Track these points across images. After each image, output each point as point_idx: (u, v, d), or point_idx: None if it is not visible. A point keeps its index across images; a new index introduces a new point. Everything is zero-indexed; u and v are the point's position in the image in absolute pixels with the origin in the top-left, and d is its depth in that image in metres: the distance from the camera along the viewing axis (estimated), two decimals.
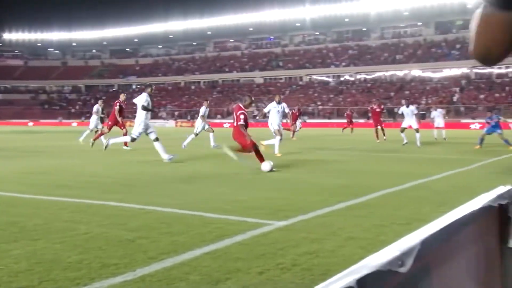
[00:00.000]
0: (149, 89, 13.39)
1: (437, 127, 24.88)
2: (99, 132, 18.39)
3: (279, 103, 15.73)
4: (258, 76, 74.57)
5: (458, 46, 60.90)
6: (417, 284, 0.82)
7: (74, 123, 66.56)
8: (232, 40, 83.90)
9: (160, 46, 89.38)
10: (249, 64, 77.53)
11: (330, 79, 70.25)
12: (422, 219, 5.52)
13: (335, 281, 0.58)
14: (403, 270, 0.71)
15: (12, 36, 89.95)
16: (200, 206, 6.42)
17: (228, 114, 64.04)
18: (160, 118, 64.38)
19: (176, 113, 67.07)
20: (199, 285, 3.45)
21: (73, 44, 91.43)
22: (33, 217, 5.82)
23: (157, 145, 12.70)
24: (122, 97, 18.49)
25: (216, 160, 13.49)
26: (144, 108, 12.84)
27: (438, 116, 25.08)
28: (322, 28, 75.27)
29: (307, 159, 13.71)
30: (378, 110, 23.10)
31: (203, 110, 18.25)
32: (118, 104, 17.87)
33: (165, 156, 12.41)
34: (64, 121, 69.68)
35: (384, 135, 22.40)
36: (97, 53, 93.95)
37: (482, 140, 18.64)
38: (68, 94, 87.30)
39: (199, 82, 78.88)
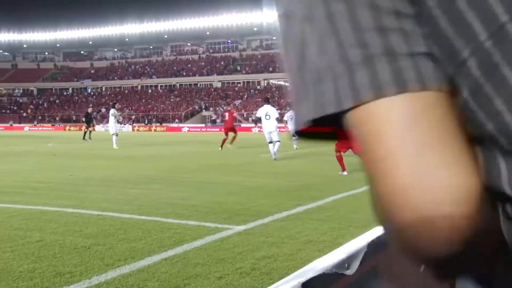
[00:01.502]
0: (268, 100, 15.89)
1: None
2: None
3: None
4: (216, 80, 74.42)
5: None
6: (365, 286, 0.84)
7: (26, 127, 64.78)
8: (189, 44, 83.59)
9: (116, 49, 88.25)
10: (207, 68, 77.39)
11: (288, 84, 70.77)
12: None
13: (281, 284, 0.60)
14: (349, 272, 0.73)
15: None
16: (157, 211, 6.39)
17: (186, 118, 63.76)
18: (117, 122, 63.32)
19: (133, 117, 66.12)
20: None
21: (24, 45, 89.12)
22: None
23: (277, 145, 14.84)
24: (233, 106, 21.72)
25: (164, 163, 13.42)
26: (277, 119, 15.01)
27: None
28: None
29: (256, 162, 13.77)
30: None
31: (288, 114, 18.83)
32: (234, 112, 20.35)
33: (275, 155, 14.63)
34: (15, 125, 67.67)
35: None
36: (50, 56, 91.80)
37: None
38: (19, 97, 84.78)
39: (156, 86, 78.06)
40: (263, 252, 4.42)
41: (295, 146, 18.86)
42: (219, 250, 4.49)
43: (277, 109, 16.29)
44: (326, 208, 6.80)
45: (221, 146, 19.46)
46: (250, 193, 8.06)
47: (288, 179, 9.99)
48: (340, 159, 11.00)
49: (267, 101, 15.77)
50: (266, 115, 14.89)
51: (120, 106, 24.31)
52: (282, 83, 71.17)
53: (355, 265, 0.75)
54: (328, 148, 14.23)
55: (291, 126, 17.44)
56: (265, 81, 71.70)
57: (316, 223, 5.68)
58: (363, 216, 6.08)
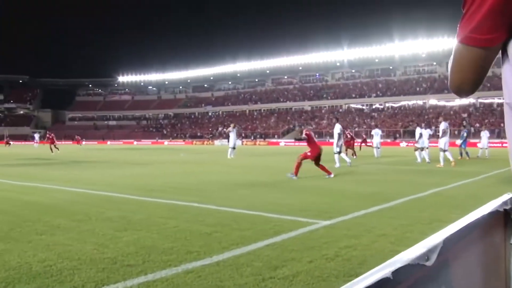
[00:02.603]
0: (338, 120, 16.03)
1: (481, 148, 21.66)
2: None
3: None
4: (306, 105, 74.18)
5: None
6: (439, 274, 0.81)
7: (166, 142, 68.70)
8: (286, 77, 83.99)
9: (230, 82, 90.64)
10: (299, 95, 77.36)
11: (364, 107, 68.92)
12: (440, 219, 5.35)
13: (375, 272, 0.59)
14: (428, 263, 0.71)
15: (124, 78, 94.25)
16: (261, 208, 6.44)
17: (283, 134, 64.08)
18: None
19: (242, 134, 67.63)
20: (261, 270, 3.45)
21: (166, 82, 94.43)
22: (137, 213, 6.04)
23: (343, 155, 15.04)
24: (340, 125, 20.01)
25: (264, 170, 13.53)
26: (339, 134, 14.91)
27: (484, 137, 21.54)
28: (357, 66, 74.25)
29: (338, 171, 13.46)
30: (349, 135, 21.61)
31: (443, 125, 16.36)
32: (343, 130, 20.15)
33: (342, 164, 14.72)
34: (159, 140, 71.98)
35: (354, 154, 20.94)
36: (183, 89, 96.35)
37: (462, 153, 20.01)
38: (161, 120, 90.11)
39: (260, 110, 79.32)
40: (344, 242, 4.30)
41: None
42: (309, 240, 4.43)
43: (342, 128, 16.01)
44: (396, 208, 6.49)
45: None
46: (334, 196, 7.90)
47: (365, 185, 9.68)
48: (298, 167, 11.08)
49: (337, 120, 16.02)
50: (341, 131, 15.05)
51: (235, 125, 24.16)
52: (360, 106, 69.45)
53: (433, 257, 0.72)
54: (400, 159, 13.56)
55: (375, 140, 17.25)
56: (346, 105, 70.25)
57: (388, 220, 5.44)
58: (428, 215, 5.75)
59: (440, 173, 12.48)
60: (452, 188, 9.00)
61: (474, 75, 0.88)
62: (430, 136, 17.93)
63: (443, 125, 15.19)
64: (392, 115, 62.57)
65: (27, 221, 5.48)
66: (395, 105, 65.58)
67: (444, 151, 15.09)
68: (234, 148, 21.92)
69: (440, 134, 15.16)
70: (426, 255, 0.72)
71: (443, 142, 15.06)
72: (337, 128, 14.91)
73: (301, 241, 4.40)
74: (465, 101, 58.15)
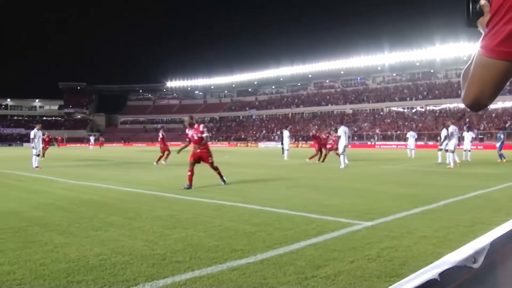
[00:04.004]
0: (342, 123, 16.57)
1: None
2: None
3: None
4: (348, 108, 73.01)
5: (507, 84, 55.19)
6: (486, 277, 0.79)
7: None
8: (328, 81, 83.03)
9: (273, 87, 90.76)
10: (341, 99, 76.29)
11: (405, 110, 67.08)
12: (483, 222, 5.14)
13: (422, 273, 0.58)
14: (476, 266, 0.69)
15: (172, 84, 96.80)
16: (303, 208, 6.40)
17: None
18: (273, 140, 65.22)
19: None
20: (304, 269, 3.43)
21: (212, 87, 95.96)
22: (185, 212, 6.18)
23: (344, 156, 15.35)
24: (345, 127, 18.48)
25: (306, 172, 13.41)
26: (339, 137, 15.37)
27: None
28: (398, 70, 72.38)
29: (379, 173, 13.11)
30: (324, 137, 19.81)
31: (452, 129, 16.03)
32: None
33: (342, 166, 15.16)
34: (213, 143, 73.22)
35: (323, 158, 18.91)
36: (228, 93, 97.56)
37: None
38: (207, 123, 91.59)
39: (302, 113, 78.85)
40: (386, 243, 4.20)
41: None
42: (351, 240, 4.37)
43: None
44: (438, 210, 6.25)
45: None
46: (373, 197, 7.70)
47: (407, 187, 9.38)
48: (191, 176, 9.54)
49: (342, 122, 16.29)
50: (345, 133, 15.25)
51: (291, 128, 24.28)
52: (401, 109, 67.52)
53: (480, 260, 0.70)
54: (435, 161, 12.90)
55: (410, 143, 16.96)
56: (387, 108, 68.55)
57: (429, 222, 5.26)
58: (470, 218, 5.50)
59: (479, 176, 11.90)
60: (493, 191, 8.58)
61: (495, 89, 0.86)
62: (473, 139, 17.27)
63: (451, 128, 15.55)
64: (434, 118, 60.49)
65: (84, 217, 5.75)
66: (436, 108, 63.47)
67: (452, 152, 15.51)
68: (287, 149, 22.46)
69: (449, 136, 15.53)
70: (473, 257, 0.71)
71: (452, 144, 15.48)
72: (341, 130, 15.39)
73: (343, 241, 4.33)
74: (508, 104, 55.59)
